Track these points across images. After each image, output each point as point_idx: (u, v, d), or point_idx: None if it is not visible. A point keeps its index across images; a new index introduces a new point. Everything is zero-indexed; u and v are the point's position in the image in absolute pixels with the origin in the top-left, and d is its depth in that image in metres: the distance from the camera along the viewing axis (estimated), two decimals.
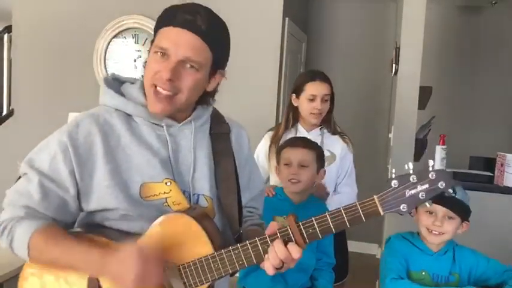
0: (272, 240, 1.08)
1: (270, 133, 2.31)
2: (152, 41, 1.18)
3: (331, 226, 1.05)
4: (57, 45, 4.09)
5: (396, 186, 1.02)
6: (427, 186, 1.01)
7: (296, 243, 1.07)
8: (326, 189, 2.13)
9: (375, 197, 1.04)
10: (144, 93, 1.20)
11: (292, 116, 2.25)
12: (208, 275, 1.12)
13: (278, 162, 1.97)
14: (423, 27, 2.91)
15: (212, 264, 1.11)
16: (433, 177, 1.01)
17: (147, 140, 1.18)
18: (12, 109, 4.33)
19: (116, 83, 1.25)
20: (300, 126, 2.25)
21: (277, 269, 1.08)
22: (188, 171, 1.21)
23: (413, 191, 1.02)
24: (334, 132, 2.26)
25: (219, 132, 1.30)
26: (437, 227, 1.66)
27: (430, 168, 1.01)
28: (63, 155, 1.12)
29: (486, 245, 1.90)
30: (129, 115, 1.20)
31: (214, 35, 1.16)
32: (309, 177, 1.88)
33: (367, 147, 4.25)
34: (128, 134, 1.17)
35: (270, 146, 2.22)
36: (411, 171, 1.02)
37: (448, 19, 4.50)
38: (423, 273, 1.69)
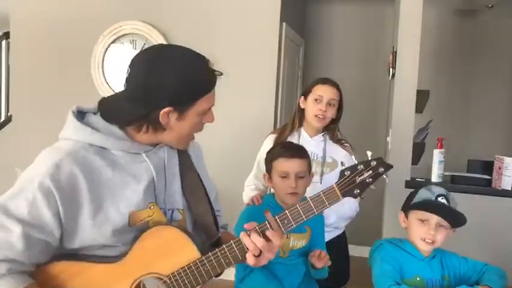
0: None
1: (273, 136, 2.31)
2: (182, 110, 1.19)
3: (302, 214, 1.23)
4: (55, 51, 4.10)
5: (348, 174, 1.23)
6: (370, 172, 1.23)
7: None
8: None
9: (334, 185, 1.23)
10: (120, 127, 1.22)
11: (299, 119, 2.26)
12: (199, 279, 1.20)
13: (269, 170, 1.92)
14: (420, 31, 2.92)
15: (201, 268, 1.19)
16: (374, 165, 1.23)
17: (128, 170, 1.20)
18: (11, 115, 4.34)
19: (80, 115, 1.24)
20: (303, 131, 2.24)
21: (256, 256, 1.20)
22: (163, 190, 1.26)
23: (361, 177, 1.23)
24: (335, 141, 2.25)
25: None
26: (431, 236, 1.66)
27: (370, 158, 1.25)
28: (45, 198, 1.10)
29: (484, 248, 1.91)
30: (104, 148, 1.19)
31: None
32: (305, 187, 1.87)
33: (365, 151, 4.25)
34: (109, 168, 1.18)
35: None
36: (357, 162, 1.25)
37: (445, 23, 4.52)
38: (418, 278, 1.69)
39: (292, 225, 1.23)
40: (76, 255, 1.19)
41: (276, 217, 1.22)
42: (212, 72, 1.23)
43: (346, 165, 2.21)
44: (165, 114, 1.17)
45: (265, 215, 1.23)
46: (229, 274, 2.16)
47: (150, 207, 1.21)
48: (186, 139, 1.28)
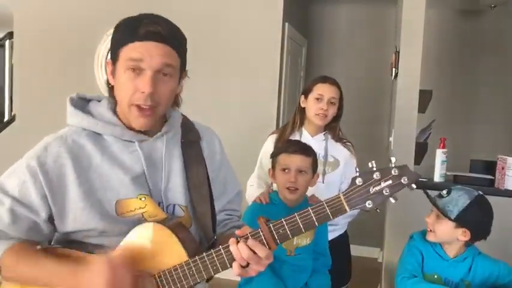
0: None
1: (274, 136, 2.31)
2: (114, 62, 1.17)
3: (301, 226, 1.06)
4: (58, 51, 4.11)
5: (361, 183, 1.03)
6: (390, 182, 1.02)
7: (266, 243, 1.07)
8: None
9: (340, 194, 1.04)
10: (113, 112, 1.22)
11: (299, 118, 2.26)
12: (184, 282, 1.14)
13: (273, 165, 1.96)
14: (423, 31, 2.92)
15: (187, 271, 1.13)
16: (396, 173, 1.02)
17: (118, 158, 1.18)
18: (14, 115, 4.35)
19: (82, 102, 1.26)
20: (304, 131, 2.24)
21: (242, 267, 1.08)
22: (159, 183, 1.22)
23: (377, 188, 1.02)
24: (337, 139, 2.26)
25: (190, 141, 1.30)
26: (430, 225, 1.76)
27: (392, 165, 1.03)
28: (33, 179, 1.12)
29: (486, 249, 1.90)
30: (98, 134, 1.19)
31: (177, 39, 1.18)
32: (306, 183, 1.88)
33: (367, 151, 4.24)
34: (99, 153, 1.17)
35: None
36: (374, 169, 1.03)
37: (447, 23, 4.52)
38: (435, 276, 1.74)
39: (289, 237, 1.07)
40: (74, 242, 1.19)
41: (271, 225, 1.07)
42: (136, 20, 1.16)
43: (345, 165, 2.22)
44: (108, 64, 1.19)
45: (258, 222, 1.08)
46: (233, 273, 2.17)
47: (140, 199, 1.17)
48: (128, 110, 1.15)
